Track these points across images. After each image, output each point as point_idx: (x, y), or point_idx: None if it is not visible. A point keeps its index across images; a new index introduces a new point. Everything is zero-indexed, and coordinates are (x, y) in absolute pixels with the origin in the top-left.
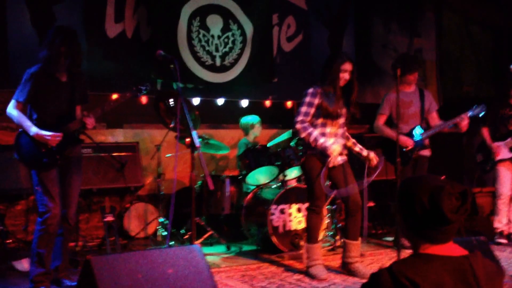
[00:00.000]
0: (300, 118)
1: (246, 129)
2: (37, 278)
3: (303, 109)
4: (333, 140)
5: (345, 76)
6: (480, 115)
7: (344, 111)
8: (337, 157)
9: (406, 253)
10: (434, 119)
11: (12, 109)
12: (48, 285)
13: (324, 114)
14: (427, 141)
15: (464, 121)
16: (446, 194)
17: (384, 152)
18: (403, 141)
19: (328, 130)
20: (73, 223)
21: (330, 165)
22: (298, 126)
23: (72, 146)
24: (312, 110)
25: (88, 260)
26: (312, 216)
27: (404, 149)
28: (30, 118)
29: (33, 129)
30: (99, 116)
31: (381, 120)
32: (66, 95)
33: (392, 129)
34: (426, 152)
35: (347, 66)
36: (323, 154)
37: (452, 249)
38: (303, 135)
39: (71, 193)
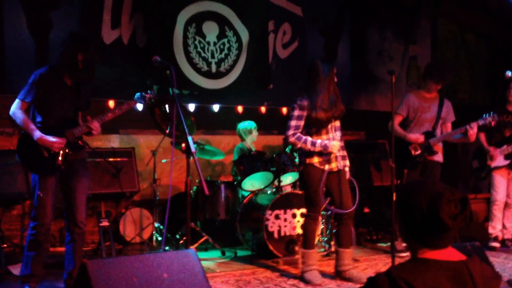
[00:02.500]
0: (291, 132)
1: (245, 134)
2: (23, 278)
3: (293, 123)
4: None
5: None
6: (492, 125)
7: (337, 113)
8: (338, 150)
9: (401, 257)
10: (448, 130)
11: (17, 110)
12: (34, 286)
13: (317, 124)
14: (437, 147)
15: (473, 130)
16: (445, 201)
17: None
18: (414, 138)
19: (324, 137)
20: (84, 227)
21: (333, 155)
22: (291, 139)
23: (75, 151)
24: (302, 123)
25: (83, 263)
26: (309, 222)
27: (413, 153)
28: (33, 120)
29: (37, 133)
30: (106, 122)
31: (396, 120)
32: (72, 99)
33: (406, 130)
34: (437, 158)
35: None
36: (322, 154)
37: (450, 254)
38: (299, 145)
39: (78, 197)
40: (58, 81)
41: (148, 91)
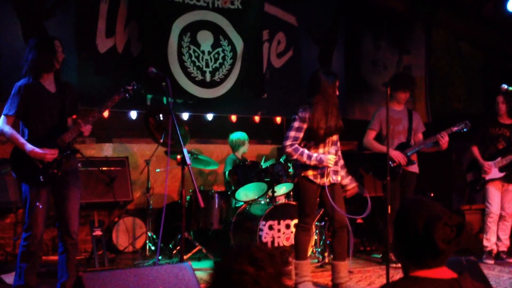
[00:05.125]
0: (289, 142)
1: (238, 146)
2: None
3: (292, 133)
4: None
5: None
6: (464, 130)
7: (336, 129)
8: (334, 163)
9: (394, 267)
10: (419, 140)
11: (3, 125)
12: None
13: (316, 137)
14: (414, 157)
15: (444, 138)
16: (441, 224)
17: (372, 167)
18: (396, 156)
19: (320, 151)
20: (76, 237)
21: (329, 166)
22: (288, 150)
23: (69, 158)
24: (301, 135)
25: (79, 276)
26: (301, 233)
27: (391, 165)
28: (22, 133)
29: (28, 147)
30: (92, 123)
31: (370, 136)
32: (57, 106)
33: (382, 144)
34: (414, 169)
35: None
36: (317, 167)
37: (442, 272)
38: (295, 156)
39: (70, 207)
40: (41, 90)
41: (131, 83)
